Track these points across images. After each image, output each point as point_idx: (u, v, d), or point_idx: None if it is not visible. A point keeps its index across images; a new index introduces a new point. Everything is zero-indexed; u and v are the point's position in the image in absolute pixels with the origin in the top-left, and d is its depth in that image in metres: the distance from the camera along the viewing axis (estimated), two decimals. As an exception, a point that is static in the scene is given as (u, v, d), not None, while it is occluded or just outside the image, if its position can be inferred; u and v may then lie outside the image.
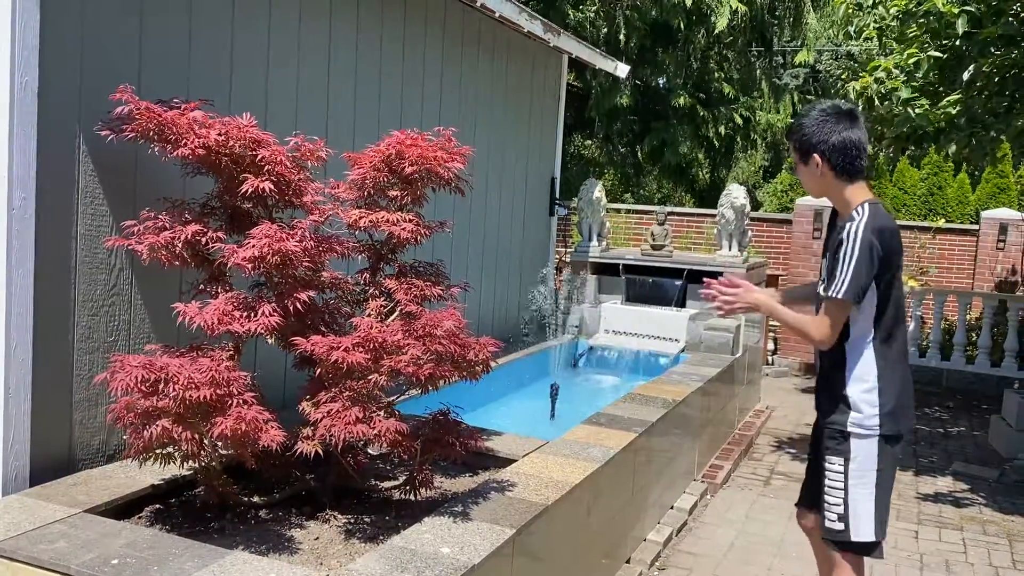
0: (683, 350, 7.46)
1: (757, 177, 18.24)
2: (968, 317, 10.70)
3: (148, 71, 3.68)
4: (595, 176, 15.45)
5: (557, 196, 8.32)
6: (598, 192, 8.18)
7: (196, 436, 2.80)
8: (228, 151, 3.11)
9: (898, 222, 12.70)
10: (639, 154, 15.58)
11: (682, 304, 7.93)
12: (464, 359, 3.14)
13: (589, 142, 16.25)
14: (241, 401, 2.80)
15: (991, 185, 13.41)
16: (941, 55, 6.68)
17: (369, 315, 3.55)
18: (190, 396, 2.70)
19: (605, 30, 13.52)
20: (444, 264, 3.92)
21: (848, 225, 2.87)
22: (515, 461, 4.02)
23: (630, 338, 7.68)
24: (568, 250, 8.88)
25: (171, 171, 3.54)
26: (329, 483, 3.50)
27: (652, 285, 8.03)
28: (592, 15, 13.48)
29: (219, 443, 2.90)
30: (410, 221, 3.53)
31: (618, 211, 11.93)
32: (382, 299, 3.62)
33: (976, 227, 12.05)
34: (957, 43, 6.85)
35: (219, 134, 3.07)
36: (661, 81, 14.60)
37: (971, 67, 6.46)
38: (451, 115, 6.27)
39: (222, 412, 2.76)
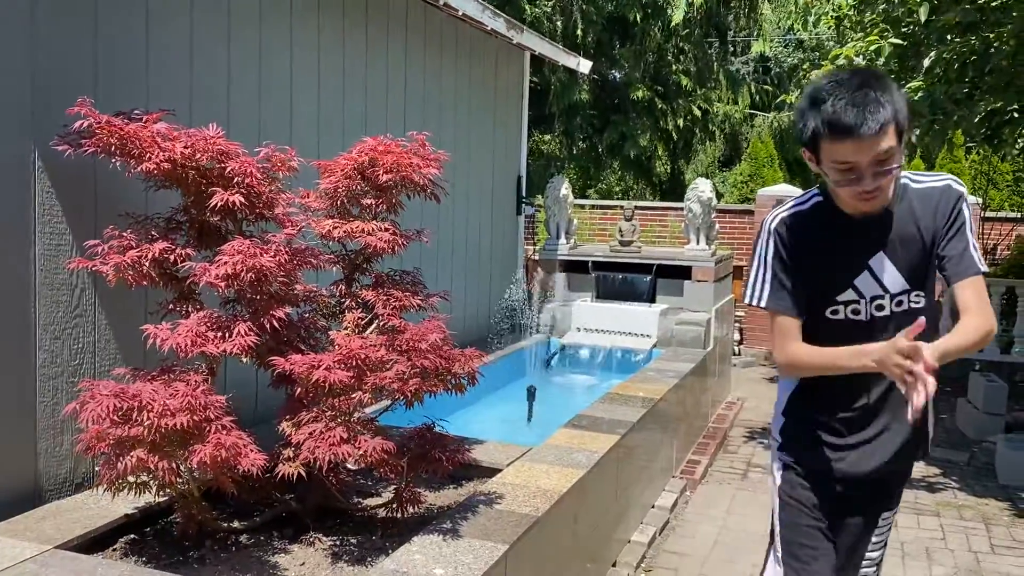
0: (655, 346, 7.44)
1: (715, 168, 18.38)
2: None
3: (106, 80, 3.52)
4: (556, 172, 15.42)
5: (524, 194, 8.24)
6: (565, 189, 8.12)
7: (173, 465, 2.67)
8: (195, 164, 2.98)
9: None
10: (599, 148, 15.57)
11: (652, 299, 7.91)
12: (450, 372, 3.05)
13: (548, 137, 16.20)
14: (220, 426, 2.68)
15: (945, 170, 13.65)
16: (902, 42, 6.73)
17: (346, 328, 3.44)
18: (166, 424, 2.57)
19: (562, 25, 13.46)
20: (420, 272, 3.82)
21: (958, 195, 2.26)
22: (500, 471, 3.94)
23: (602, 335, 7.65)
24: (536, 248, 8.81)
25: (132, 185, 3.38)
26: (311, 503, 3.39)
27: (622, 281, 8.00)
28: (549, 10, 13.42)
29: (197, 471, 2.77)
30: (386, 230, 3.42)
31: (582, 207, 11.90)
32: (359, 311, 3.51)
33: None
34: (916, 30, 6.91)
35: (185, 147, 2.93)
36: (619, 75, 14.60)
37: (932, 54, 6.52)
38: (415, 117, 6.16)
39: (200, 439, 2.64)
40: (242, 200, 2.96)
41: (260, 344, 3.10)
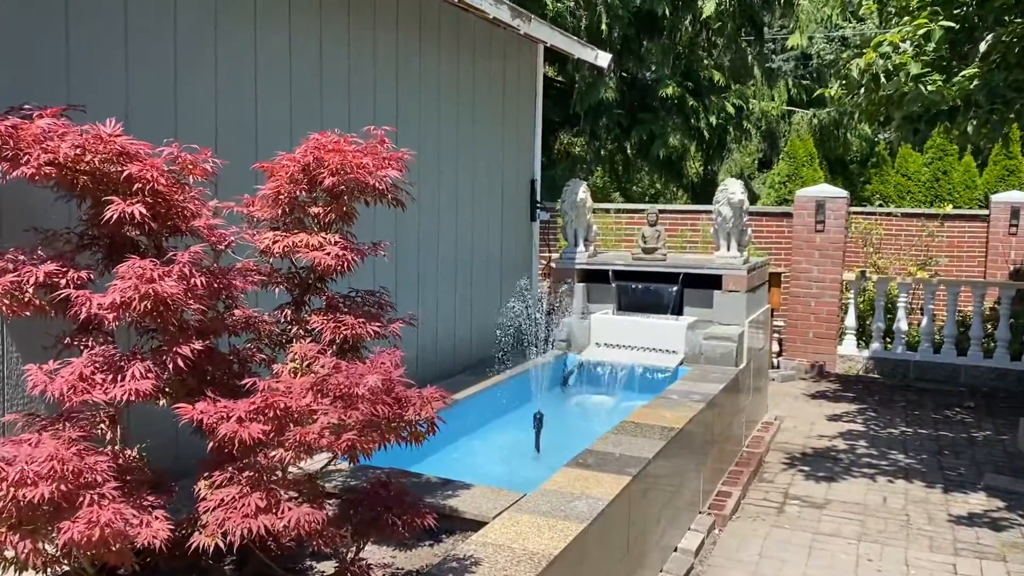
0: (682, 363, 6.79)
1: (752, 168, 17.56)
2: (983, 308, 10.05)
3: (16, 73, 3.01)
4: (583, 175, 14.78)
5: (539, 199, 7.64)
6: (583, 193, 7.51)
7: (40, 545, 2.12)
8: (87, 167, 2.43)
9: (903, 209, 12.12)
10: (628, 149, 14.89)
11: (679, 312, 7.26)
12: (401, 419, 2.46)
13: (576, 139, 15.55)
14: (97, 496, 2.12)
15: (999, 167, 12.75)
16: (954, 25, 6.02)
17: (292, 361, 2.88)
18: (24, 495, 2.03)
19: (586, 21, 12.83)
20: (387, 291, 3.24)
21: None
22: (485, 523, 3.35)
23: (623, 351, 7.02)
24: (554, 255, 8.20)
25: (46, 195, 2.86)
26: (248, 573, 2.83)
27: (645, 292, 7.36)
28: (572, 5, 12.80)
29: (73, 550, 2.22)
30: (336, 244, 2.85)
31: (606, 211, 11.25)
32: (309, 340, 2.95)
33: (986, 212, 11.39)
34: (970, 11, 6.19)
35: (73, 147, 2.39)
36: (648, 72, 13.90)
37: (988, 37, 5.80)
38: (410, 116, 5.60)
39: (71, 512, 2.08)
40: (143, 211, 2.41)
41: (175, 384, 2.56)
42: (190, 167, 2.60)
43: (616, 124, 13.89)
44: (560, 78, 14.16)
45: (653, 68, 13.77)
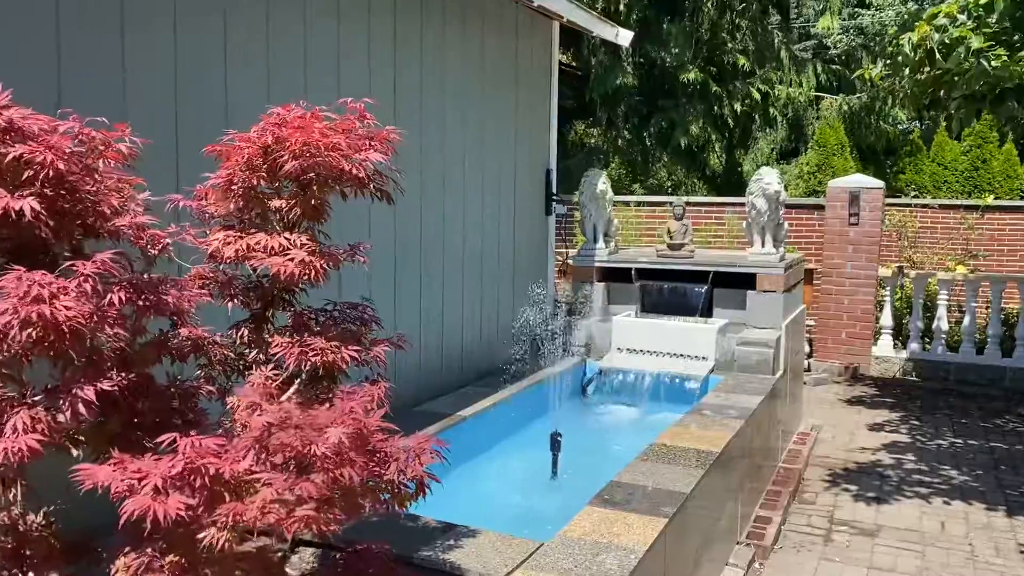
0: (712, 370, 6.16)
1: (776, 159, 16.80)
2: (1031, 306, 9.36)
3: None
4: (599, 166, 14.10)
5: (555, 192, 7.02)
6: (602, 184, 6.87)
7: None
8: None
9: (940, 201, 11.41)
10: (646, 139, 14.19)
11: (708, 313, 6.62)
12: (380, 479, 1.86)
13: (592, 129, 14.87)
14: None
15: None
16: (1022, -8, 5.35)
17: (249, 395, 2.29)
18: None
19: (602, 2, 12.15)
20: (372, 304, 2.64)
21: None
22: (492, 585, 2.75)
23: (648, 357, 6.38)
24: (571, 252, 7.57)
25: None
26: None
27: (671, 292, 6.72)
28: (588, -15, 12.13)
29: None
30: (302, 247, 2.25)
31: (626, 204, 10.59)
32: (271, 367, 2.35)
33: (1031, 202, 10.70)
34: (1040, -23, 5.52)
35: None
36: (668, 57, 13.19)
37: (1064, 5, 5.13)
38: (410, 100, 4.99)
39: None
40: (35, 207, 1.81)
41: (92, 431, 1.97)
42: (103, 147, 1.99)
43: (634, 112, 13.20)
44: (575, 63, 13.48)
45: (674, 52, 13.07)
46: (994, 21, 5.54)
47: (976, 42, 5.43)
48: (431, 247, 5.28)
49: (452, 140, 5.47)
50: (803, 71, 14.18)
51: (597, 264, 6.83)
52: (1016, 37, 5.71)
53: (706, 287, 6.58)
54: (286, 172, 2.19)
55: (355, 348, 2.29)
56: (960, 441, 7.18)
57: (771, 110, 13.86)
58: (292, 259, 2.22)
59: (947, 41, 5.60)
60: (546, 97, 6.79)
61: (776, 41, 13.49)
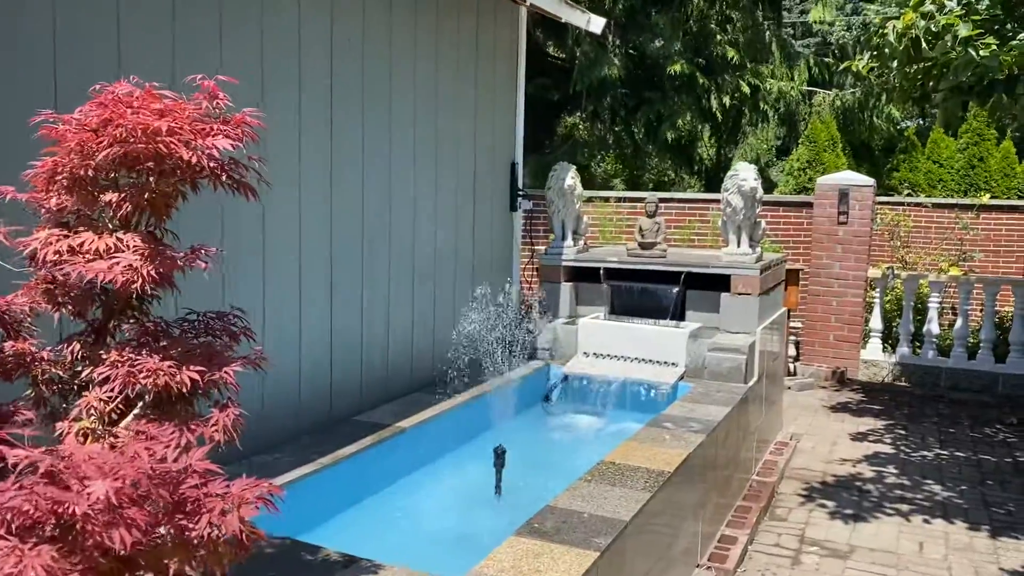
0: (682, 377, 5.81)
1: (770, 154, 16.41)
2: (1026, 310, 8.99)
3: None
4: (585, 159, 13.70)
5: (521, 187, 6.65)
6: (571, 179, 6.51)
7: None
8: None
9: (934, 200, 11.03)
10: (635, 132, 13.80)
11: (681, 316, 6.27)
12: (183, 535, 1.51)
13: (579, 122, 14.48)
14: None
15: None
16: (1013, -23, 4.99)
17: (83, 419, 1.95)
18: None
19: (588, -10, 11.76)
20: (244, 314, 2.29)
21: None
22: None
23: (615, 362, 6.04)
24: (541, 249, 7.21)
25: None
26: None
27: (642, 293, 6.37)
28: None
29: None
30: (132, 249, 1.90)
31: (606, 200, 10.22)
32: (105, 388, 2.00)
33: (1028, 202, 10.33)
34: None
35: None
36: (655, 46, 12.75)
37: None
38: (350, 86, 4.63)
39: None
40: None
41: None
42: None
43: (621, 104, 12.81)
44: (560, 54, 13.10)
45: (661, 43, 12.65)
46: (984, 8, 5.18)
47: (964, 30, 5.07)
48: (375, 244, 4.92)
49: (400, 131, 5.11)
50: (795, 65, 13.77)
51: (564, 263, 6.47)
52: (1008, 25, 5.36)
53: (678, 289, 6.23)
54: (108, 159, 1.84)
55: (198, 368, 1.94)
56: (946, 453, 6.83)
57: (762, 104, 13.47)
58: (117, 263, 1.87)
59: (933, 29, 5.24)
60: (512, 85, 6.43)
61: (767, 34, 13.09)
